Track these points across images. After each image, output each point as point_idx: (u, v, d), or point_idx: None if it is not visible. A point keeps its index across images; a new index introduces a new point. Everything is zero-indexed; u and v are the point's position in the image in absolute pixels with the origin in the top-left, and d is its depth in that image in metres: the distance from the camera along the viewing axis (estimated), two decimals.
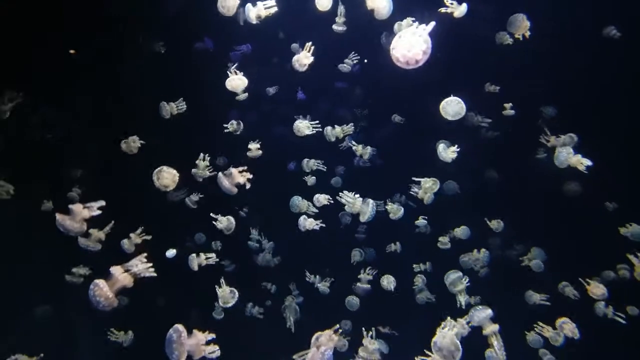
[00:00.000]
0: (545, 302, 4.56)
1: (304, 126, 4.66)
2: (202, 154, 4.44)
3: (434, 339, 3.07)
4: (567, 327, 4.03)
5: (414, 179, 4.58)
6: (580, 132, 4.25)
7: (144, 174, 4.21)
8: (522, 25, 3.98)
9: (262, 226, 5.42)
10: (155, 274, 2.93)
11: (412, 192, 4.68)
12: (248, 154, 4.62)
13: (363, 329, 3.70)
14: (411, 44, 3.16)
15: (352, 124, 4.86)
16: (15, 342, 4.64)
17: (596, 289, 4.24)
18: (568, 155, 3.94)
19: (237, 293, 4.38)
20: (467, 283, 4.42)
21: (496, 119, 4.70)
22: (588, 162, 3.83)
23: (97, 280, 2.89)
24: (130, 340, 4.75)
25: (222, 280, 4.37)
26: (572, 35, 4.15)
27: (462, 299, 4.32)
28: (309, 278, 5.31)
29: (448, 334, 3.03)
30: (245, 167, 4.15)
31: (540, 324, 4.23)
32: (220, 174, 4.20)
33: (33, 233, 4.55)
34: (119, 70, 4.64)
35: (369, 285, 5.02)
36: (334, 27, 4.32)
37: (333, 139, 4.87)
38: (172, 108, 4.50)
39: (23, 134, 4.53)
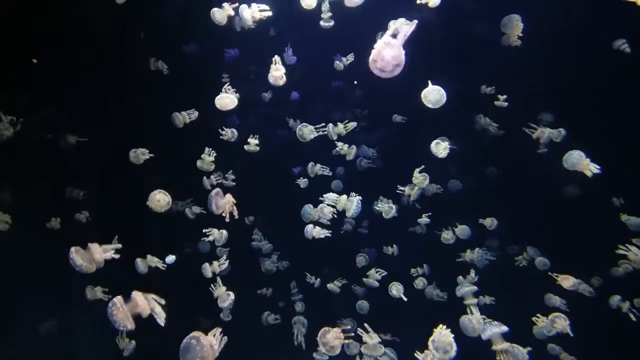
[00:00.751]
0: (564, 307, 4.67)
1: (308, 131, 4.86)
2: (207, 149, 4.72)
3: (432, 337, 3.30)
4: (560, 322, 4.21)
5: (417, 173, 4.77)
6: (578, 130, 4.46)
7: (146, 182, 4.49)
8: (516, 27, 4.21)
9: (266, 231, 5.62)
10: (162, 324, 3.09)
11: (399, 190, 4.93)
12: (246, 147, 4.87)
13: (358, 328, 3.94)
14: (383, 53, 3.27)
15: (355, 123, 5.02)
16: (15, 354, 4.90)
17: (565, 281, 4.46)
18: (580, 157, 4.07)
19: (232, 294, 4.56)
20: (475, 277, 4.72)
21: (494, 118, 4.92)
22: (596, 169, 3.98)
23: (115, 300, 3.00)
24: (132, 349, 4.91)
25: (218, 280, 4.57)
26: (568, 35, 4.34)
27: (475, 311, 4.49)
28: (309, 279, 5.56)
29: (447, 333, 3.27)
30: (235, 202, 4.37)
31: (538, 314, 4.43)
32: (213, 192, 4.44)
33: (38, 248, 4.77)
34: (118, 76, 4.82)
35: (377, 283, 5.20)
36: (321, 23, 4.48)
37: (335, 137, 5.03)
38: (184, 117, 4.74)
39: (25, 145, 4.67)
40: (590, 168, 4.01)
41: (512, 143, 4.88)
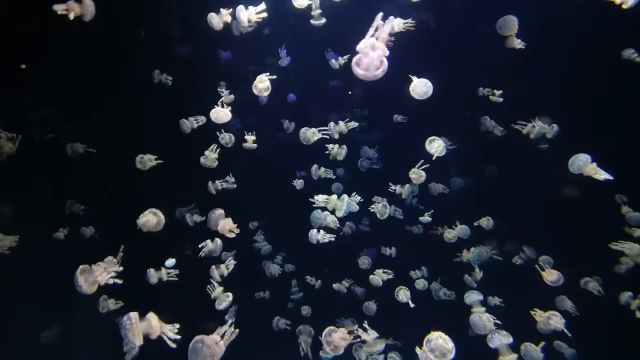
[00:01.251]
0: (574, 311, 4.81)
1: (311, 133, 5.00)
2: (213, 145, 4.83)
3: (428, 336, 3.42)
4: (555, 320, 4.32)
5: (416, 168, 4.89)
6: (579, 129, 4.58)
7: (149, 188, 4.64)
8: (513, 28, 4.33)
9: (268, 234, 5.80)
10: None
11: (390, 189, 5.08)
12: (244, 145, 5.01)
13: (358, 328, 4.08)
14: (367, 51, 3.27)
15: (357, 122, 5.09)
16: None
17: (550, 276, 4.59)
18: (586, 161, 4.14)
19: (230, 294, 4.64)
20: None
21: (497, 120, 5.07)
22: (607, 176, 4.01)
23: (132, 315, 3.06)
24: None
25: (214, 282, 4.65)
26: (567, 36, 4.46)
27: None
28: (310, 280, 5.73)
29: (445, 337, 3.38)
30: (236, 225, 4.49)
31: (536, 309, 4.50)
32: (216, 211, 4.58)
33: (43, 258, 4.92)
34: (118, 81, 4.94)
35: (380, 283, 5.33)
36: (312, 21, 4.58)
37: (337, 136, 5.12)
38: (191, 123, 4.87)
39: (27, 157, 4.73)
40: (598, 172, 4.07)
41: (512, 142, 4.98)
